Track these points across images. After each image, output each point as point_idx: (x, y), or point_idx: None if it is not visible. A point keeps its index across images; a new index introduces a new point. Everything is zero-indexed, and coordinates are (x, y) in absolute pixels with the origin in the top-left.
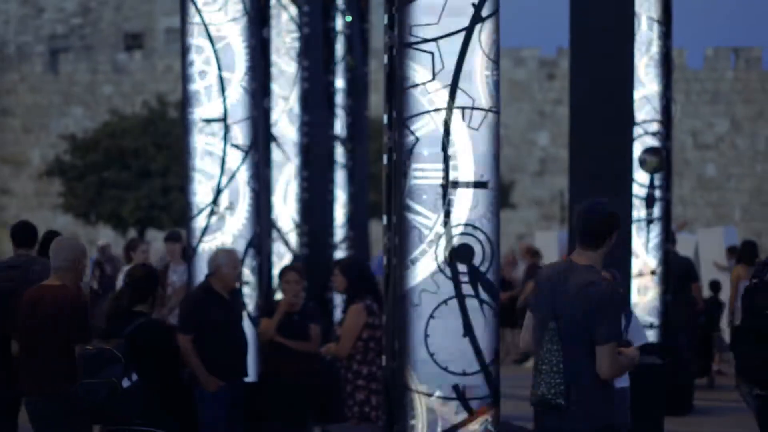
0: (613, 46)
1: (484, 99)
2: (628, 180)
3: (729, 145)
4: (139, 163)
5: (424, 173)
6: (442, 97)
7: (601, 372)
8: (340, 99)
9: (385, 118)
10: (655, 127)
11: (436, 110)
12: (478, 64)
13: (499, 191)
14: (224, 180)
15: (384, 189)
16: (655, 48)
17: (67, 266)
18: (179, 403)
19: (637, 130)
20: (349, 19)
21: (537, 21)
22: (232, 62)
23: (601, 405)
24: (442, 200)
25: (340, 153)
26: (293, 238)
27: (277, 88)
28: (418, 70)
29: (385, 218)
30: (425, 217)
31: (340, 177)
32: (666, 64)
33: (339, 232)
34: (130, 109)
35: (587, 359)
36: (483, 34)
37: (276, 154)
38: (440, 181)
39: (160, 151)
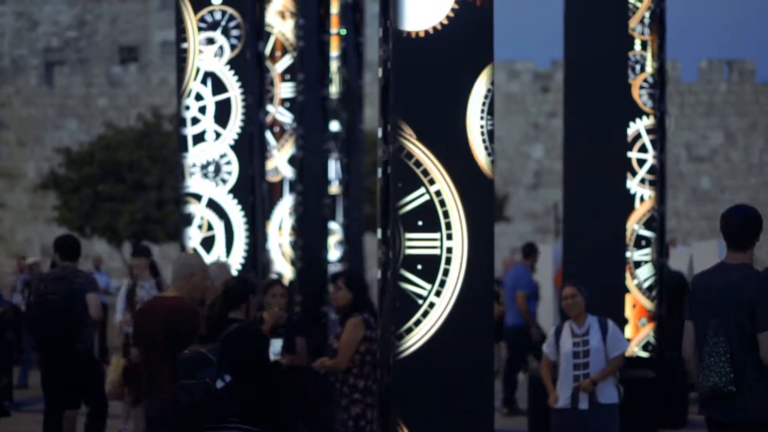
0: (607, 57)
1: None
2: (623, 192)
3: (723, 158)
4: (134, 176)
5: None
6: None
7: (764, 358)
8: (334, 112)
9: (380, 131)
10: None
11: None
12: None
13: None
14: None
15: (378, 202)
16: (648, 61)
17: (182, 279)
18: (269, 402)
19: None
20: (343, 32)
21: (531, 34)
22: (228, 78)
23: (766, 393)
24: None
25: (334, 166)
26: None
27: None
28: None
29: (379, 232)
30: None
31: (334, 190)
32: (660, 76)
33: (333, 246)
34: (125, 122)
35: (751, 350)
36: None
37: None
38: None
39: (155, 164)
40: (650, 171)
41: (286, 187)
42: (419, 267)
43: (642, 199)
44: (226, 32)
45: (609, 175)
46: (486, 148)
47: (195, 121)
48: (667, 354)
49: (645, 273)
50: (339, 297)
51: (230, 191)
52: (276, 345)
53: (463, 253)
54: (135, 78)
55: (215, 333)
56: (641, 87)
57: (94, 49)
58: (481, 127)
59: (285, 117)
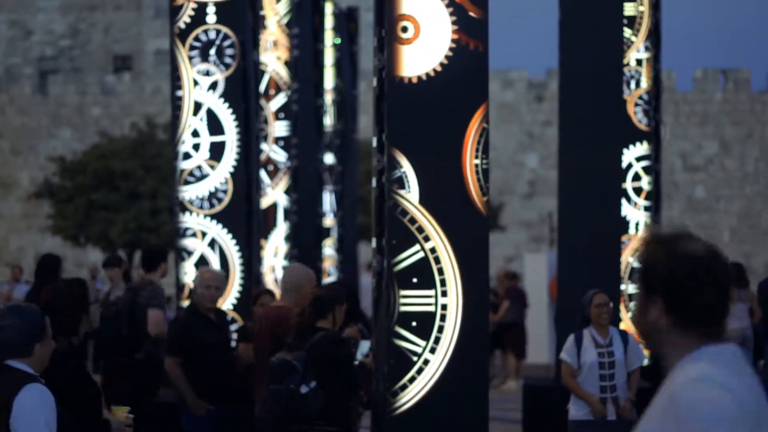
0: (602, 66)
1: None
2: (618, 202)
3: (718, 167)
4: (128, 185)
5: None
6: None
7: None
8: (329, 121)
9: (374, 140)
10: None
11: None
12: None
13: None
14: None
15: (373, 211)
16: (643, 70)
17: (288, 290)
18: (350, 406)
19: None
20: (338, 41)
21: (525, 43)
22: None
23: None
24: None
25: (328, 175)
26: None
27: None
28: None
29: (374, 241)
30: None
31: (328, 199)
32: (655, 85)
33: (328, 255)
34: (119, 131)
35: None
36: None
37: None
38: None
39: (148, 173)
40: (647, 197)
41: (280, 215)
42: (414, 324)
43: (637, 229)
44: (220, 52)
45: (603, 184)
46: (481, 187)
47: (186, 156)
48: (662, 363)
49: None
50: None
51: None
52: (364, 347)
53: (458, 310)
54: (129, 87)
55: (302, 341)
56: (636, 104)
57: (88, 58)
58: (476, 166)
59: (279, 155)
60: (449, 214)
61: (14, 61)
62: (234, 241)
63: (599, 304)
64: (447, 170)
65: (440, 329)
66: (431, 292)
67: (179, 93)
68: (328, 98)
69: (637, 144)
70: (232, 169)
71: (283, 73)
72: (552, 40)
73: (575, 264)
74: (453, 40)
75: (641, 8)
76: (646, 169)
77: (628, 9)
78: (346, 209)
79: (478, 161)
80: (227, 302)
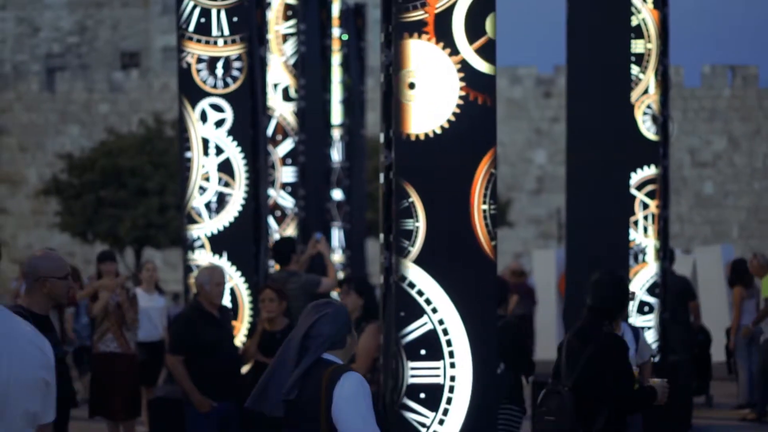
0: (610, 62)
1: None
2: (627, 198)
3: (726, 163)
4: (136, 181)
5: None
6: None
7: None
8: (336, 117)
9: (382, 136)
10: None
11: None
12: None
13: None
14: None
15: (381, 208)
16: (652, 65)
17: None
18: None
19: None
20: (345, 37)
21: (533, 39)
22: (230, 85)
23: None
24: None
25: (336, 171)
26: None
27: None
28: None
29: (381, 237)
30: None
31: (337, 195)
32: (663, 82)
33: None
34: (127, 128)
35: None
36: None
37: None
38: None
39: (156, 169)
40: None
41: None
42: (422, 396)
43: (644, 259)
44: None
45: (612, 180)
46: (489, 232)
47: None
48: (670, 359)
49: (649, 339)
50: (348, 302)
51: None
52: None
53: (467, 380)
54: (136, 84)
55: None
56: (644, 113)
57: (96, 55)
58: (484, 211)
59: (286, 201)
60: (456, 260)
61: (22, 58)
62: (243, 279)
63: None
64: (454, 216)
65: (449, 401)
66: (439, 364)
67: (188, 155)
68: (335, 94)
69: (651, 166)
70: (240, 208)
71: (291, 118)
72: (560, 36)
73: (583, 260)
74: (461, 97)
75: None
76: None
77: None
78: (354, 206)
79: (486, 207)
80: (239, 335)
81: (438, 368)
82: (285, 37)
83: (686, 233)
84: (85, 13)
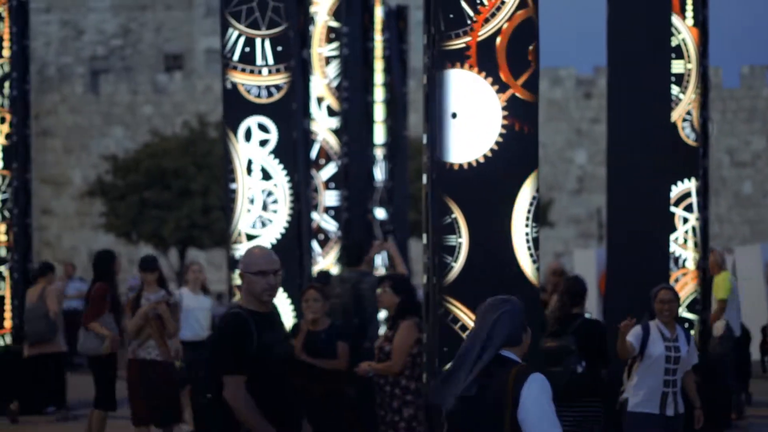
0: (650, 64)
1: None
2: (666, 197)
3: (766, 163)
4: (180, 183)
5: None
6: None
7: None
8: (379, 119)
9: (425, 137)
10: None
11: None
12: None
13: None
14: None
15: (424, 208)
16: (692, 66)
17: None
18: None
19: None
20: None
21: (573, 40)
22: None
23: None
24: None
25: (379, 172)
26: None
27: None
28: None
29: (424, 237)
30: None
31: (380, 214)
32: (703, 82)
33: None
34: (171, 130)
35: None
36: None
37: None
38: None
39: (200, 171)
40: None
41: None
42: None
43: (684, 264)
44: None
45: (652, 180)
46: (531, 255)
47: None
48: (710, 357)
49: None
50: (384, 299)
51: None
52: None
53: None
54: (180, 85)
55: (565, 327)
56: (684, 119)
57: (139, 57)
58: (527, 234)
59: (330, 225)
60: (498, 281)
61: (66, 61)
62: (289, 300)
63: (662, 300)
64: (496, 239)
65: None
66: None
67: (233, 186)
68: (378, 95)
69: (692, 179)
70: (280, 235)
71: (334, 143)
72: (599, 37)
73: (624, 260)
74: (503, 126)
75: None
76: (693, 167)
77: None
78: (397, 206)
79: (528, 230)
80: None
81: None
82: (328, 60)
83: (725, 233)
84: (128, 15)
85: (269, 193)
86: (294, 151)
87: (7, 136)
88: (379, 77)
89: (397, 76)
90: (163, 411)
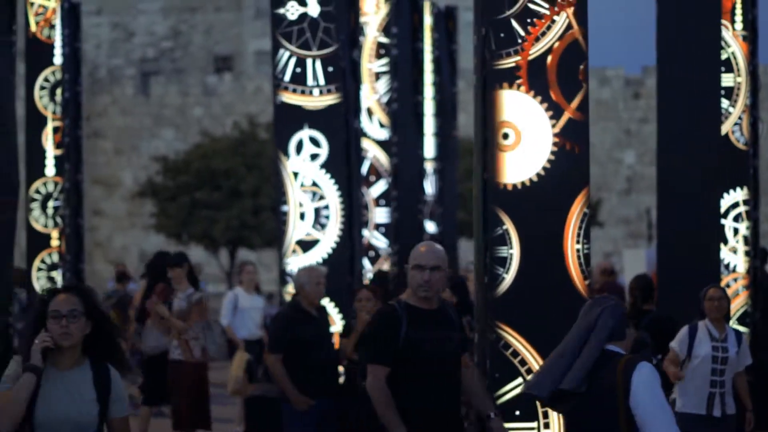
0: (700, 62)
1: None
2: (717, 197)
3: None
4: (230, 183)
5: None
6: None
7: None
8: (428, 119)
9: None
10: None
11: None
12: None
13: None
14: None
15: (475, 208)
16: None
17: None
18: None
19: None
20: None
21: (621, 40)
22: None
23: None
24: None
25: (429, 173)
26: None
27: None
28: None
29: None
30: None
31: (429, 197)
32: (753, 83)
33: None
34: (221, 131)
35: None
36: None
37: None
38: None
39: (250, 171)
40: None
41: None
42: None
43: (735, 269)
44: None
45: (702, 182)
46: (582, 272)
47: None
48: (760, 357)
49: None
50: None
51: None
52: None
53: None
54: (230, 87)
55: (635, 322)
56: (735, 124)
57: (189, 59)
58: (578, 251)
59: (380, 242)
60: (550, 297)
61: (117, 63)
62: (336, 309)
63: (711, 298)
64: (548, 256)
65: None
66: (533, 424)
67: (284, 208)
68: (427, 96)
69: (737, 189)
70: (334, 245)
71: (384, 158)
72: (647, 37)
73: (674, 260)
74: (554, 143)
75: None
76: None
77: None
78: (447, 206)
79: (579, 246)
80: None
81: (533, 429)
82: (377, 75)
83: None
84: (178, 18)
85: (320, 210)
86: (347, 166)
87: (59, 145)
88: (428, 78)
89: (446, 77)
90: (188, 411)
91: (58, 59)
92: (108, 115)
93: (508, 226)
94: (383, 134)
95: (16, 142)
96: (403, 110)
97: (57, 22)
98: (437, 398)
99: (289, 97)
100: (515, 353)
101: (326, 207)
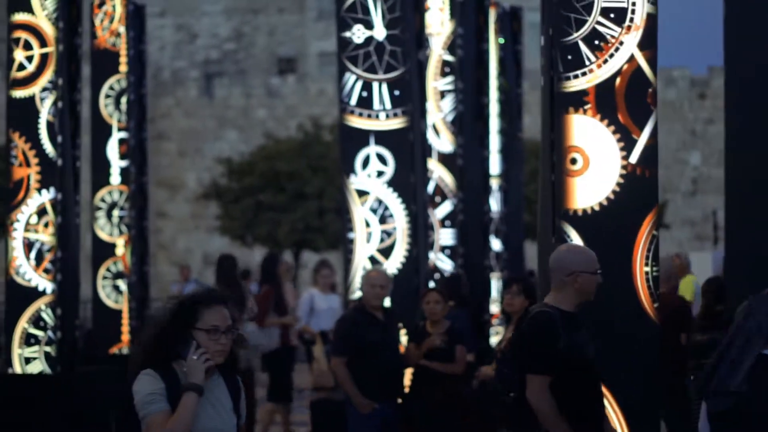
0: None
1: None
2: None
3: None
4: (295, 185)
5: None
6: None
7: None
8: (493, 121)
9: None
10: None
11: None
12: None
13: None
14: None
15: (539, 209)
16: None
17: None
18: None
19: None
20: (502, 41)
21: (687, 40)
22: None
23: None
24: None
25: (494, 174)
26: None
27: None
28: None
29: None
30: None
31: (494, 198)
32: None
33: (494, 254)
34: (284, 133)
35: None
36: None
37: None
38: None
39: (315, 173)
40: None
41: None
42: None
43: None
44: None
45: None
46: (651, 294)
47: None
48: None
49: None
50: (516, 303)
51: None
52: None
53: None
54: (293, 88)
55: (712, 322)
56: None
57: (253, 61)
58: (646, 273)
59: (445, 264)
60: (617, 311)
61: (180, 65)
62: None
63: None
64: (616, 280)
65: None
66: None
67: (351, 235)
68: (493, 98)
69: None
70: (397, 270)
71: (449, 180)
72: (713, 37)
73: (742, 262)
74: (622, 166)
75: None
76: None
77: None
78: (512, 208)
79: (648, 269)
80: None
81: None
82: (443, 94)
83: None
84: (242, 19)
85: (387, 232)
86: (414, 189)
87: (123, 156)
88: (493, 79)
89: (511, 78)
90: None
91: (123, 66)
92: (172, 117)
93: (575, 239)
94: (448, 148)
95: None
96: (467, 112)
97: (121, 27)
98: (600, 403)
99: (355, 121)
100: None
101: (393, 229)
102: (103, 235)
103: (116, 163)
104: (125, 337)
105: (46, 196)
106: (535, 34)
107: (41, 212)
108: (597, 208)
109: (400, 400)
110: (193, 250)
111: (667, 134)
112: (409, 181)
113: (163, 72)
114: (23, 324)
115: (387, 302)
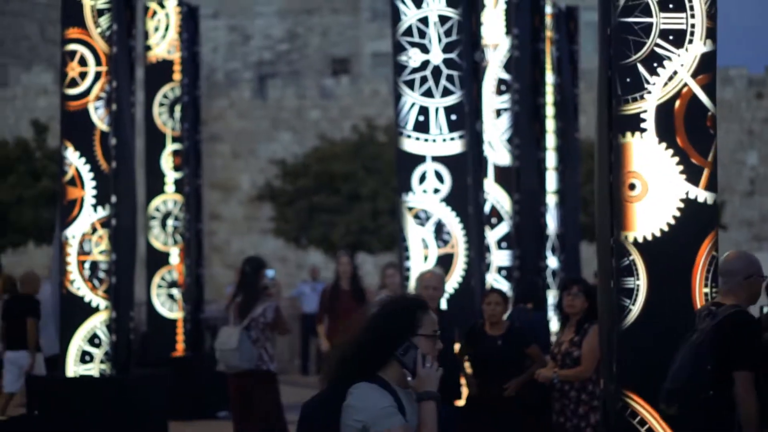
0: None
1: None
2: None
3: None
4: (349, 187)
5: None
6: None
7: None
8: (550, 121)
9: (597, 209)
10: None
11: None
12: None
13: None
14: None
15: (597, 208)
16: None
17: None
18: None
19: None
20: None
21: (744, 39)
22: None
23: None
24: None
25: (550, 175)
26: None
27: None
28: None
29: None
30: None
31: (551, 199)
32: None
33: (550, 255)
34: (338, 134)
35: None
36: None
37: None
38: None
39: (369, 175)
40: None
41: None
42: None
43: None
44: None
45: None
46: None
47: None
48: None
49: None
50: (577, 304)
51: (443, 199)
52: None
53: None
54: (347, 89)
55: None
56: None
57: (306, 62)
58: (706, 294)
59: (502, 285)
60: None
61: (234, 66)
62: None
63: None
64: (676, 301)
65: None
66: None
67: (407, 264)
68: (549, 98)
69: None
70: (453, 290)
71: (506, 203)
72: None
73: None
74: (683, 191)
75: None
76: None
77: None
78: (568, 209)
79: (707, 290)
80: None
81: None
82: (498, 112)
83: None
84: (295, 20)
85: (444, 257)
86: (472, 219)
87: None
88: (549, 78)
89: (567, 78)
90: (259, 420)
91: (177, 75)
92: (225, 118)
93: (635, 256)
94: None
95: None
96: (523, 112)
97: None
98: None
99: (411, 145)
100: (642, 421)
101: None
102: (158, 244)
103: (170, 174)
104: (180, 345)
105: (101, 213)
106: (591, 34)
107: (94, 229)
108: (658, 234)
109: (459, 403)
110: (247, 252)
111: (724, 134)
112: (465, 202)
113: (217, 74)
114: (78, 341)
115: (443, 304)
